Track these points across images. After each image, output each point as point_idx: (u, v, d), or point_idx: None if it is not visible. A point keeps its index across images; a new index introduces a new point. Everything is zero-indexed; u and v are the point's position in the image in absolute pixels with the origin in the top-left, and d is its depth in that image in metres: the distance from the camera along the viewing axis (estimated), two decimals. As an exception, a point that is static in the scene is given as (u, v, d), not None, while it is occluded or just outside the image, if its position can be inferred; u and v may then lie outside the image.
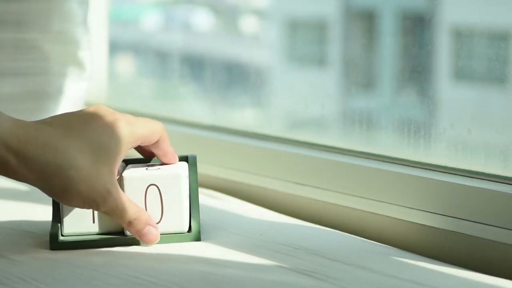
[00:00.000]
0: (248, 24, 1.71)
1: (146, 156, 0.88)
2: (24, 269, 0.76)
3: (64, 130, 0.78)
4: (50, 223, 0.84)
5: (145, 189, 0.83)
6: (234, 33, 1.72)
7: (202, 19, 1.78)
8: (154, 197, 0.83)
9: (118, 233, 0.84)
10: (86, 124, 0.79)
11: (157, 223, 0.83)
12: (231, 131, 1.19)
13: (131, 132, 0.81)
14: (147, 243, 0.82)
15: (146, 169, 0.85)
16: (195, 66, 1.63)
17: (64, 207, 0.83)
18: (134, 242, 0.83)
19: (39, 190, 0.80)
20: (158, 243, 0.83)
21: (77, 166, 0.77)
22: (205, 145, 1.18)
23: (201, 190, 1.05)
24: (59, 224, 0.83)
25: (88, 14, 1.28)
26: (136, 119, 0.82)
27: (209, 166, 1.15)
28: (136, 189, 0.83)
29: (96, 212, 0.83)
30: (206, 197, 1.07)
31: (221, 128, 1.21)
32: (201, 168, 1.05)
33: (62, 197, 0.79)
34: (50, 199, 0.85)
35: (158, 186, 0.83)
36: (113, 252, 0.82)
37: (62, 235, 0.83)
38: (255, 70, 1.52)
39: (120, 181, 0.83)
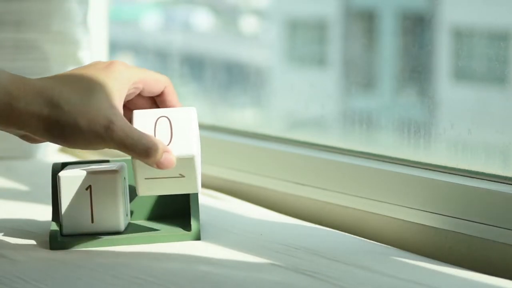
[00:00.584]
0: (248, 24, 1.71)
1: None
2: (24, 269, 0.76)
3: (62, 75, 0.80)
4: (50, 223, 0.84)
5: (155, 121, 0.82)
6: (234, 33, 1.72)
7: (202, 19, 1.78)
8: (164, 126, 0.82)
9: (118, 233, 0.84)
10: (83, 69, 0.81)
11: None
12: (231, 131, 1.19)
13: (130, 72, 0.81)
14: (165, 169, 0.79)
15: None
16: (195, 66, 1.63)
17: (63, 207, 0.83)
18: (134, 242, 0.83)
19: (39, 190, 0.80)
20: (158, 242, 0.83)
21: (74, 102, 0.77)
22: (205, 145, 1.18)
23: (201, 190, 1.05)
24: (59, 224, 0.83)
25: (88, 14, 1.28)
26: (139, 68, 0.83)
27: (209, 166, 1.15)
28: (146, 121, 0.81)
29: (95, 212, 0.83)
30: (206, 197, 1.07)
31: (221, 128, 1.21)
32: (201, 168, 1.05)
33: (66, 136, 0.78)
34: (50, 199, 0.85)
35: (169, 117, 0.82)
36: (113, 252, 0.82)
37: (62, 235, 0.83)
38: (255, 70, 1.52)
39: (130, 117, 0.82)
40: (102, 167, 0.85)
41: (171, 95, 0.84)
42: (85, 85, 0.79)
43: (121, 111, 0.80)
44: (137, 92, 0.83)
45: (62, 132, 0.77)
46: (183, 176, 0.81)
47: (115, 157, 0.92)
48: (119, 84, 0.80)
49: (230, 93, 1.48)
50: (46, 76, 0.81)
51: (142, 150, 0.78)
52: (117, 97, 0.79)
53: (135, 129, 0.79)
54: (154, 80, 0.83)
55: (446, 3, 1.12)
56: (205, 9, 1.79)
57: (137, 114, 0.82)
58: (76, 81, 0.79)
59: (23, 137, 0.81)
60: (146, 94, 0.84)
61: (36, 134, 0.78)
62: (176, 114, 0.82)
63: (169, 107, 0.84)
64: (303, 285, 0.72)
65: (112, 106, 0.78)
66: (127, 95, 0.82)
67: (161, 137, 0.80)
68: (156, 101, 0.85)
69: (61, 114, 0.77)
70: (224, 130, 1.20)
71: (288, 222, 0.97)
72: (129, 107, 0.84)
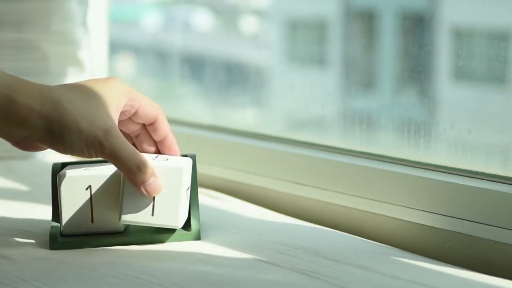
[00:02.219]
0: (248, 24, 1.71)
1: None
2: (24, 269, 0.76)
3: (61, 85, 0.80)
4: (50, 223, 0.84)
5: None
6: (234, 33, 1.72)
7: (202, 19, 1.78)
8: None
9: (118, 233, 0.84)
10: (81, 81, 0.81)
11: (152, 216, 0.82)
12: (231, 131, 1.19)
13: (127, 89, 0.81)
14: (151, 194, 0.80)
15: (153, 159, 0.84)
16: (195, 66, 1.63)
17: (63, 207, 0.83)
18: (134, 242, 0.83)
19: (39, 190, 0.80)
20: (158, 243, 0.83)
21: (75, 102, 0.77)
22: (205, 145, 1.18)
23: (201, 190, 1.05)
24: (59, 224, 0.83)
25: (88, 14, 1.28)
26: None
27: (209, 166, 1.15)
28: None
29: (94, 212, 0.83)
30: (206, 197, 1.07)
31: (221, 128, 1.21)
32: (201, 168, 1.05)
33: (63, 136, 0.77)
34: (50, 199, 0.85)
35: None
36: (113, 252, 0.82)
37: (62, 235, 0.83)
38: (255, 70, 1.52)
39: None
40: (102, 167, 0.85)
41: (163, 123, 0.84)
42: (85, 91, 0.79)
43: (117, 122, 0.80)
44: (132, 111, 0.83)
45: (62, 131, 0.77)
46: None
47: None
48: (117, 97, 0.80)
49: (230, 93, 1.48)
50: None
51: (134, 164, 0.78)
52: (114, 108, 0.80)
53: (130, 144, 0.79)
54: (149, 105, 0.83)
55: (446, 3, 1.12)
56: (205, 9, 1.79)
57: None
58: (76, 88, 0.80)
59: (18, 144, 0.81)
60: (139, 119, 0.84)
61: (35, 134, 0.78)
62: (166, 175, 0.82)
63: (162, 135, 0.85)
64: (303, 285, 0.72)
65: (110, 114, 0.79)
66: (122, 112, 0.82)
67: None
68: (148, 129, 0.85)
69: (63, 112, 0.77)
70: (224, 130, 1.20)
71: (288, 222, 0.97)
72: (121, 128, 0.83)
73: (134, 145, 0.85)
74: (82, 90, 0.79)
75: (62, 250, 0.82)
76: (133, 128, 0.85)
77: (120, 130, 0.82)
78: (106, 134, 0.77)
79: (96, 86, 0.80)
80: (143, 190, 0.79)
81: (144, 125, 0.85)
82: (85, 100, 0.78)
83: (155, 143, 0.86)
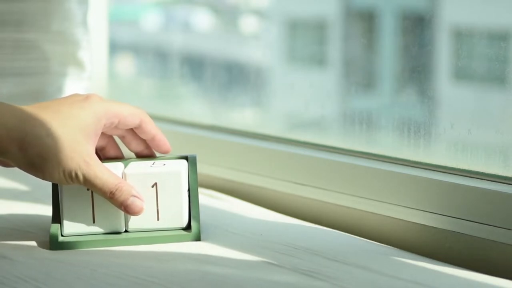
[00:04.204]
0: (248, 24, 1.71)
1: (138, 153, 0.89)
2: (24, 269, 0.76)
3: (40, 107, 0.81)
4: (50, 223, 0.84)
5: (149, 186, 0.84)
6: (234, 33, 1.72)
7: (202, 19, 1.78)
8: (154, 194, 0.84)
9: (118, 233, 0.84)
10: (61, 101, 0.82)
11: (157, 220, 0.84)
12: (231, 131, 1.19)
13: (104, 106, 0.83)
14: (132, 214, 0.82)
15: (151, 166, 0.85)
16: (195, 66, 1.63)
17: (64, 207, 0.83)
18: (134, 242, 0.83)
19: (39, 190, 0.80)
20: (158, 243, 0.83)
21: (54, 135, 0.79)
22: (205, 145, 1.18)
23: (201, 190, 1.05)
24: (59, 224, 0.83)
25: (88, 14, 1.28)
26: (114, 101, 0.85)
27: (209, 166, 1.15)
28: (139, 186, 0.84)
29: (96, 212, 0.83)
30: (206, 197, 1.07)
31: (221, 128, 1.21)
32: (201, 168, 1.05)
33: (43, 168, 0.79)
34: (50, 199, 0.85)
35: (157, 183, 0.84)
36: (113, 252, 0.82)
37: (62, 235, 0.83)
38: (255, 70, 1.52)
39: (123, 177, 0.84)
40: None
41: (148, 125, 0.86)
42: (64, 117, 0.81)
43: (95, 145, 0.82)
44: (113, 125, 0.85)
45: (42, 164, 0.79)
46: None
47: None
48: (95, 122, 0.82)
49: (230, 93, 1.48)
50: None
51: (108, 190, 0.81)
52: (92, 133, 0.82)
53: (106, 170, 0.81)
54: (129, 115, 0.85)
55: (446, 3, 1.12)
56: (205, 9, 1.79)
57: (129, 176, 0.84)
58: (55, 113, 0.81)
59: None
60: (122, 127, 0.86)
61: (15, 163, 0.80)
62: (164, 179, 0.84)
63: (149, 136, 0.87)
64: (303, 285, 0.72)
65: (88, 143, 0.81)
66: (102, 129, 0.84)
67: (152, 207, 0.84)
68: (135, 131, 0.87)
69: (42, 147, 0.79)
70: (224, 130, 1.20)
71: (288, 222, 0.97)
72: (104, 133, 0.86)
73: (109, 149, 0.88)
74: (62, 117, 0.80)
75: (62, 250, 0.82)
76: (117, 133, 0.87)
77: (104, 134, 0.85)
78: (83, 164, 0.80)
79: (74, 110, 0.81)
80: (123, 210, 0.82)
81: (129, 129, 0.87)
82: (64, 129, 0.80)
83: (144, 142, 0.88)
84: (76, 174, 0.80)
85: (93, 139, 0.81)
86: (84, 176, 0.80)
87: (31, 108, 0.80)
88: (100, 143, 0.87)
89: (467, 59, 1.02)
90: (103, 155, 0.88)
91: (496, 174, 0.88)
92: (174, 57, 1.60)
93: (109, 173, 0.81)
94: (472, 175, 0.89)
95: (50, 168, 0.79)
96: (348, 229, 0.97)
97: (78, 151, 0.80)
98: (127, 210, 0.82)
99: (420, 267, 0.80)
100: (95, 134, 0.82)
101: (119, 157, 0.89)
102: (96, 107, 0.82)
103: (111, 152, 0.88)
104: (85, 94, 0.84)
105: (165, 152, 0.88)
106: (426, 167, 0.94)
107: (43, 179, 0.81)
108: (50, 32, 1.24)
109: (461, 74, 1.09)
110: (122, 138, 0.88)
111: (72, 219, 0.83)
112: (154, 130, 0.87)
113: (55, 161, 0.79)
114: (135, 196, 0.82)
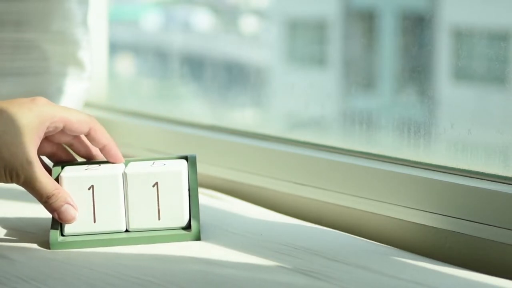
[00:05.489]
0: (248, 24, 1.71)
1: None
2: (24, 269, 0.76)
3: None
4: (50, 223, 0.84)
5: (149, 186, 0.84)
6: (234, 33, 1.72)
7: (202, 19, 1.78)
8: (154, 194, 0.84)
9: (118, 233, 0.84)
10: (11, 101, 0.83)
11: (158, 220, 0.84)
12: (231, 131, 1.19)
13: (50, 110, 0.83)
14: (65, 222, 0.82)
15: (151, 165, 0.85)
16: (195, 66, 1.63)
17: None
18: (134, 241, 0.83)
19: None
20: (158, 243, 0.83)
21: (0, 130, 0.80)
22: (205, 145, 1.18)
23: (201, 190, 1.05)
24: (59, 224, 0.84)
25: (88, 14, 1.28)
26: (64, 106, 0.85)
27: (209, 166, 1.15)
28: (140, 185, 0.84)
29: (96, 212, 0.83)
30: (206, 197, 1.07)
31: (221, 128, 1.21)
32: (201, 168, 1.05)
33: None
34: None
35: (158, 183, 0.84)
36: (113, 252, 0.82)
37: (62, 235, 0.83)
38: (255, 70, 1.52)
39: (124, 177, 0.84)
40: (103, 167, 0.85)
41: (98, 133, 0.86)
42: (9, 119, 0.81)
43: (36, 148, 0.82)
44: (58, 130, 0.85)
45: None
46: None
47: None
48: (38, 126, 0.82)
49: (230, 93, 1.48)
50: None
51: (44, 194, 0.82)
52: (35, 137, 0.82)
53: (45, 175, 0.82)
54: (77, 121, 0.85)
55: (446, 3, 1.12)
56: (205, 9, 1.79)
57: (130, 176, 0.84)
58: (2, 110, 0.81)
59: None
60: (69, 132, 0.86)
61: None
62: (165, 179, 0.84)
63: (100, 144, 0.86)
64: (303, 285, 0.72)
65: (32, 145, 0.81)
66: (46, 132, 0.84)
67: (152, 208, 0.84)
68: (87, 138, 0.87)
69: None
70: (224, 130, 1.20)
71: (288, 222, 0.97)
72: (51, 140, 0.86)
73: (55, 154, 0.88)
74: (7, 118, 0.81)
75: (62, 250, 0.82)
76: (64, 140, 0.87)
77: (50, 140, 0.86)
78: (23, 168, 0.81)
79: (20, 112, 0.81)
80: (56, 217, 0.82)
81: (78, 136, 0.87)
82: (8, 128, 0.80)
83: (92, 151, 0.88)
84: (17, 174, 0.81)
85: (35, 141, 0.82)
86: (25, 177, 0.81)
87: None
88: (49, 150, 0.87)
89: (467, 59, 1.02)
90: (55, 160, 0.88)
91: (496, 174, 0.88)
92: (174, 57, 1.60)
93: (48, 179, 0.82)
94: (472, 175, 0.89)
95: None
96: (348, 229, 0.97)
97: (22, 150, 0.80)
98: (60, 217, 0.82)
99: (420, 267, 0.80)
100: (38, 136, 0.82)
101: (71, 160, 0.88)
102: (43, 110, 0.83)
103: (63, 156, 0.88)
104: (31, 97, 0.84)
105: (116, 163, 0.88)
106: (426, 167, 0.94)
107: None
108: (50, 32, 1.24)
109: (461, 74, 1.09)
110: (70, 146, 0.88)
111: (73, 219, 0.83)
112: (104, 139, 0.86)
113: (4, 151, 0.80)
114: (69, 204, 0.82)
